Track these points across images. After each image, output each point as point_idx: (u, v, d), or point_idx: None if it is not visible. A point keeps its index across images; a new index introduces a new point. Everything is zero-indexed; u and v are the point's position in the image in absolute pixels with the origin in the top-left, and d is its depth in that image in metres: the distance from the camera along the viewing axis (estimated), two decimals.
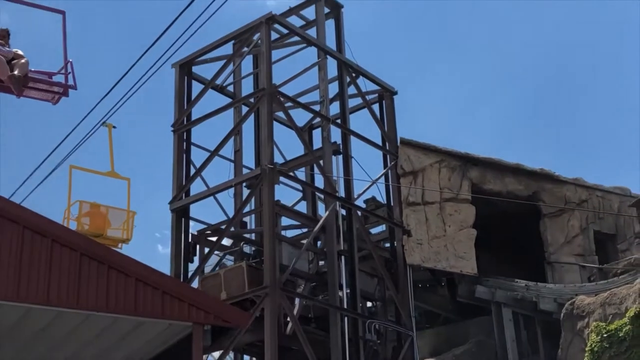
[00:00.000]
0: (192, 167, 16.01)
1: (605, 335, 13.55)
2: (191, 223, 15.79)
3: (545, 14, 42.41)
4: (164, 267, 16.21)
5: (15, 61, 11.71)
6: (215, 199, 16.05)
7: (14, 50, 11.91)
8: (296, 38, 16.57)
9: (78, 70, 11.72)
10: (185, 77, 16.61)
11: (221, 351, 13.52)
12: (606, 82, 42.20)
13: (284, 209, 15.68)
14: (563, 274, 17.84)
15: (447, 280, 17.87)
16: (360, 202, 16.89)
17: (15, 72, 11.45)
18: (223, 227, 15.41)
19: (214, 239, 15.34)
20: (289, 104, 16.18)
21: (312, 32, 16.85)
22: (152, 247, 40.73)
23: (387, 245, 17.18)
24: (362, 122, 17.82)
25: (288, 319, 14.06)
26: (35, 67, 11.89)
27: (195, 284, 14.61)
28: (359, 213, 15.99)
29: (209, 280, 14.56)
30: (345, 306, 14.56)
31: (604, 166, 40.06)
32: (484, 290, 16.98)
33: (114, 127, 19.18)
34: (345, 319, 14.45)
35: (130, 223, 18.75)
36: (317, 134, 17.66)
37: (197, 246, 15.43)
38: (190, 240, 15.47)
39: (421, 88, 42.05)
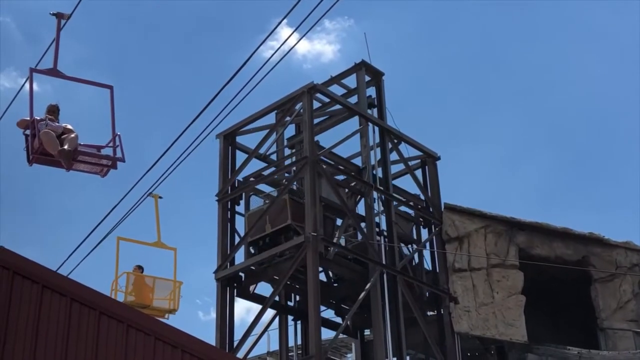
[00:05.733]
0: (236, 235, 16.08)
1: None
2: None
3: (588, 69, 42.14)
4: (205, 334, 16.19)
5: (65, 136, 11.86)
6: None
7: (64, 125, 12.11)
8: (338, 106, 16.75)
9: (125, 141, 11.84)
10: (230, 147, 16.83)
11: None
12: None
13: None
14: (616, 341, 17.28)
15: (497, 349, 17.42)
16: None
17: (65, 147, 11.57)
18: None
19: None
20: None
21: (353, 99, 17.04)
22: (193, 314, 40.67)
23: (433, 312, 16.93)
24: (405, 188, 17.77)
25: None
26: (81, 136, 11.96)
27: (241, 354, 14.50)
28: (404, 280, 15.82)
29: (255, 214, 15.43)
30: None
31: None
32: (535, 358, 16.52)
33: (160, 197, 19.40)
34: None
35: (176, 293, 18.80)
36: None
37: (243, 194, 16.24)
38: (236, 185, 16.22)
39: (463, 150, 41.92)
